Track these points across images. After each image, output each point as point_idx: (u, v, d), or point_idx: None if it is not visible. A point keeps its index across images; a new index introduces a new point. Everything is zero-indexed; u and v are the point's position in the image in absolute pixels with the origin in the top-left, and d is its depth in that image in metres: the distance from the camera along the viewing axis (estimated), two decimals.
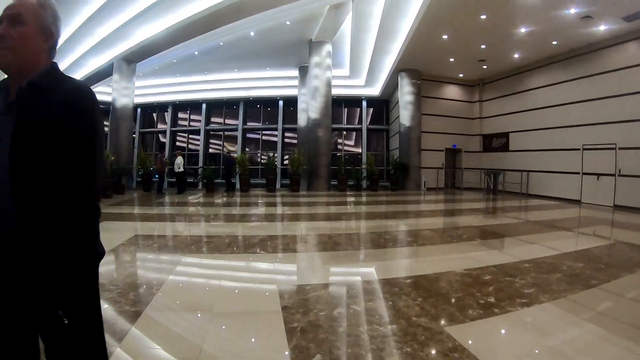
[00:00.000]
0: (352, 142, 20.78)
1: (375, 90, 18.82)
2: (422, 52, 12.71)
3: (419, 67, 14.62)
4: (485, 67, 14.26)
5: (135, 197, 11.50)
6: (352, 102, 19.72)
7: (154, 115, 22.57)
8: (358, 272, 3.95)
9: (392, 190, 14.71)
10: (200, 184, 14.67)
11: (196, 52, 15.10)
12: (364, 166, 15.91)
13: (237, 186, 14.18)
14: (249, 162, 14.20)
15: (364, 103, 19.74)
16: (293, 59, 15.94)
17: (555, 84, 12.36)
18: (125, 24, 11.05)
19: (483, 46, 11.89)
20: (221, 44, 13.98)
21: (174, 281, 3.44)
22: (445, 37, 11.27)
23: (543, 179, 12.77)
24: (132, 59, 13.45)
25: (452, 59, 13.56)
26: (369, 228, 6.85)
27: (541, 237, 5.85)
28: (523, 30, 10.29)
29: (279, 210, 9.15)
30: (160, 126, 22.38)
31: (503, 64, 13.79)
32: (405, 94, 14.93)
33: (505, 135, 14.81)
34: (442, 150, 15.87)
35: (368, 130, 19.76)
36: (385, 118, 19.89)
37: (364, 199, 11.86)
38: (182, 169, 12.54)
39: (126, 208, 9.03)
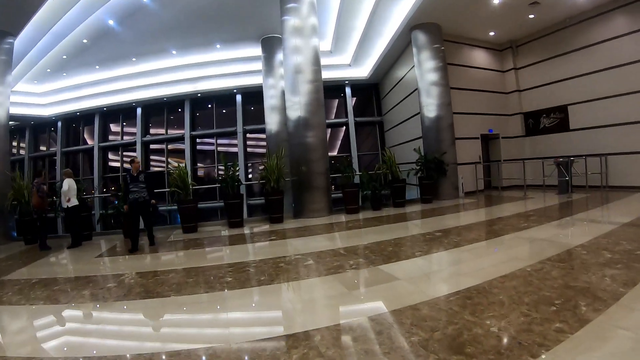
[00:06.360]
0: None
1: (363, 71, 14.33)
2: None
3: (440, 21, 10.12)
4: (532, 15, 10.03)
5: None
6: (332, 90, 15.06)
7: (81, 129, 17.19)
8: None
9: (424, 201, 9.75)
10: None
11: (111, 21, 10.09)
12: (368, 172, 10.89)
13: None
14: (195, 181, 8.93)
15: (348, 90, 15.20)
16: (253, 26, 11.11)
17: None
18: None
19: None
20: (144, 0, 9.11)
21: None
22: None
23: (629, 163, 8.93)
24: (4, 27, 8.12)
25: (496, 1, 9.16)
26: None
27: None
28: None
29: None
30: (90, 142, 16.98)
31: (561, 7, 9.58)
32: (426, 59, 10.24)
33: (562, 109, 10.65)
34: (478, 138, 11.40)
35: (356, 124, 15.22)
36: (377, 107, 15.38)
37: (422, 227, 6.99)
38: (76, 202, 6.86)
39: None
